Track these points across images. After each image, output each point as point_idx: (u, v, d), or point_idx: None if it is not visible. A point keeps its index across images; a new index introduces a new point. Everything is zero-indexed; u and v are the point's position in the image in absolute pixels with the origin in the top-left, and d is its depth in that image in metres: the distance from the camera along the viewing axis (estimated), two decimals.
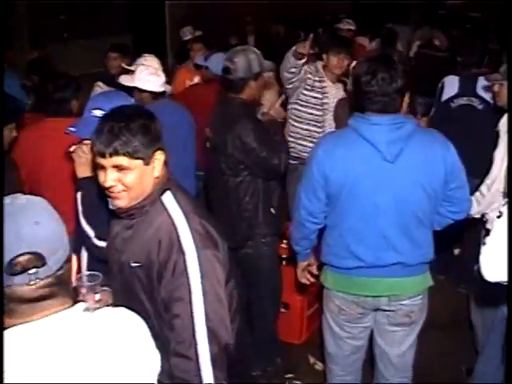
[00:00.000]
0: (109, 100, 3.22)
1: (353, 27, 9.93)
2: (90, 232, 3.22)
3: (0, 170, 3.28)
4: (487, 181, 4.22)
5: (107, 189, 2.51)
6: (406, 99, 3.35)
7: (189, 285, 2.43)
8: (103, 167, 2.48)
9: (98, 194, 3.08)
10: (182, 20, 11.24)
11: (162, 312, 2.55)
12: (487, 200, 4.14)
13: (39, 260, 1.60)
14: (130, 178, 2.47)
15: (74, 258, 1.78)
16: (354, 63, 5.80)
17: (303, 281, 3.91)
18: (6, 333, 1.61)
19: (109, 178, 2.47)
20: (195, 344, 2.41)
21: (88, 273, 2.75)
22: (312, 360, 5.00)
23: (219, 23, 11.90)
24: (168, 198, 2.58)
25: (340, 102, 5.68)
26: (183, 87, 6.68)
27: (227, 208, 4.31)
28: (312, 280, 3.91)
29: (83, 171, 3.29)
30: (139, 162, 2.46)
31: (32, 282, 1.61)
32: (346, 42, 6.17)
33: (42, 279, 1.62)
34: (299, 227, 3.62)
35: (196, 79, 6.79)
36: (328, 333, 3.76)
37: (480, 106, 5.69)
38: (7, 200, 1.66)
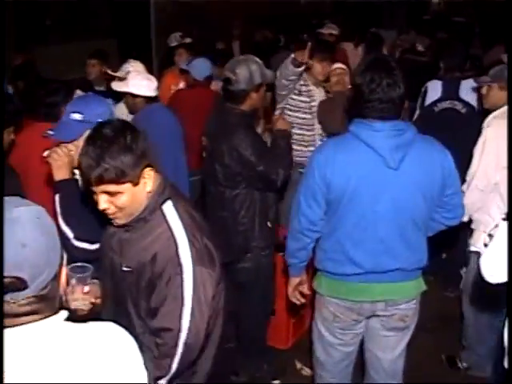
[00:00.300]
0: (86, 103, 3.28)
1: (335, 32, 9.86)
2: (69, 233, 3.16)
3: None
4: (467, 177, 4.27)
5: (101, 210, 2.49)
6: (406, 105, 3.35)
7: (182, 300, 2.46)
8: (93, 191, 2.46)
9: (78, 196, 3.10)
10: (168, 24, 11.22)
11: (145, 317, 2.58)
12: (468, 198, 4.14)
13: (21, 284, 1.57)
14: (121, 200, 2.45)
15: (64, 271, 1.75)
16: (334, 66, 5.87)
17: (294, 300, 3.83)
18: None
19: (100, 202, 2.46)
20: (172, 356, 2.50)
21: (79, 264, 2.76)
22: (299, 365, 4.99)
23: (205, 27, 11.87)
24: (169, 208, 2.57)
25: (321, 105, 5.76)
26: (169, 92, 6.69)
27: (223, 220, 4.25)
28: (303, 301, 3.84)
29: (60, 174, 3.21)
30: (127, 184, 2.43)
31: (12, 301, 1.59)
32: (329, 49, 6.19)
33: (23, 299, 1.60)
34: (298, 237, 3.53)
35: (181, 84, 6.80)
36: (318, 340, 3.74)
37: (463, 110, 5.75)
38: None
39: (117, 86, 4.94)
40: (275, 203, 4.42)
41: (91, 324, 1.76)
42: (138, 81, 4.83)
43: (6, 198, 1.68)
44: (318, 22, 11.18)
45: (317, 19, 11.92)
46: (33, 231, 1.60)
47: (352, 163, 3.24)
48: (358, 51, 10.20)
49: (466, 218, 4.24)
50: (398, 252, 3.35)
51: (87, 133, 3.03)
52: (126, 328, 1.82)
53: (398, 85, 3.18)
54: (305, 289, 3.77)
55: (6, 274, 1.54)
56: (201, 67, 6.30)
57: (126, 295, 2.64)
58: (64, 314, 1.72)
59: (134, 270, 2.57)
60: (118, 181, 2.39)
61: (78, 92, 6.52)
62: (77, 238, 3.16)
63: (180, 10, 12.46)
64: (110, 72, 5.57)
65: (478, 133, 4.33)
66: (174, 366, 2.52)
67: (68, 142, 3.19)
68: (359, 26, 11.43)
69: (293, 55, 5.20)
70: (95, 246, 3.04)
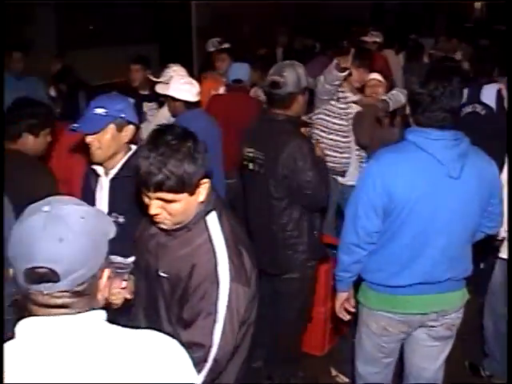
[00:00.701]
0: (109, 99, 3.39)
1: (379, 39, 9.82)
2: None
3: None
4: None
5: (151, 214, 2.48)
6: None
7: (215, 316, 2.45)
8: (147, 195, 2.44)
9: None
10: (209, 29, 11.27)
11: (176, 324, 2.58)
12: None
13: (54, 276, 1.59)
14: (174, 208, 2.43)
15: (106, 272, 1.75)
16: (370, 76, 5.84)
17: (341, 316, 3.77)
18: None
19: (153, 208, 2.43)
20: (200, 370, 2.46)
21: (120, 259, 2.77)
22: (334, 372, 4.96)
23: (245, 32, 11.92)
24: (212, 220, 2.55)
25: (357, 116, 5.73)
26: (208, 97, 6.71)
27: (271, 234, 4.17)
28: (348, 317, 3.77)
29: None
30: (184, 194, 2.41)
31: (46, 292, 1.62)
32: (367, 56, 6.16)
33: (56, 292, 1.63)
34: (353, 250, 3.43)
35: (221, 89, 6.82)
36: (361, 354, 3.71)
37: (483, 112, 5.80)
38: (46, 207, 1.63)
39: (160, 89, 5.02)
40: (321, 213, 4.37)
41: (133, 330, 1.77)
42: (179, 85, 4.89)
43: (61, 197, 1.73)
44: (358, 29, 11.12)
45: (356, 26, 11.89)
46: (73, 229, 1.62)
47: (415, 173, 3.17)
48: (399, 58, 10.14)
49: (505, 227, 4.20)
50: (454, 261, 3.30)
51: (109, 126, 3.24)
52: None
53: (458, 94, 3.15)
54: (351, 305, 3.70)
55: (39, 264, 1.57)
56: (237, 71, 6.36)
57: (159, 299, 2.65)
58: (102, 313, 1.73)
59: (170, 277, 2.57)
60: (176, 190, 2.37)
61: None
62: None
63: (221, 14, 12.52)
64: (152, 78, 5.64)
65: (498, 133, 4.30)
66: (201, 379, 2.49)
67: (91, 134, 3.27)
68: (399, 34, 11.37)
69: (336, 60, 5.19)
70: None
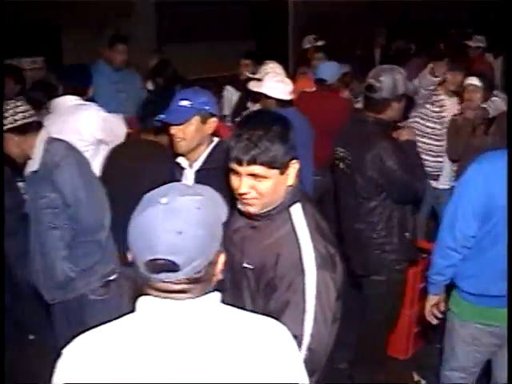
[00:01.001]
0: (194, 92, 3.56)
1: (482, 44, 9.57)
2: None
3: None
4: None
5: (240, 194, 2.51)
6: None
7: (304, 305, 2.44)
8: (237, 173, 2.48)
9: None
10: (305, 28, 11.27)
11: (260, 314, 2.59)
12: None
13: (174, 266, 1.66)
14: (264, 186, 2.46)
15: (222, 257, 1.82)
16: (468, 80, 5.70)
17: (429, 319, 3.75)
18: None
19: (243, 185, 2.46)
20: None
21: None
22: (416, 377, 4.92)
23: (343, 32, 11.85)
24: (296, 211, 2.57)
25: (453, 121, 5.62)
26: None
27: (360, 233, 4.18)
28: (436, 322, 3.74)
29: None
30: (275, 171, 2.45)
31: (166, 280, 1.69)
32: (463, 59, 6.07)
33: (175, 280, 1.70)
34: (449, 253, 3.41)
35: (315, 88, 6.83)
36: (451, 360, 3.66)
37: None
38: (163, 199, 1.71)
39: (253, 86, 5.06)
40: (413, 215, 4.32)
41: (248, 313, 1.84)
42: (272, 83, 4.94)
43: (177, 185, 1.82)
44: (458, 31, 10.90)
45: (455, 29, 11.66)
46: (191, 221, 1.69)
47: None
48: (498, 63, 9.89)
49: None
50: None
51: (193, 118, 3.39)
52: None
53: None
54: (442, 306, 3.67)
55: (161, 256, 1.65)
56: (323, 70, 6.37)
57: (244, 291, 2.66)
58: (217, 295, 1.80)
59: (255, 268, 2.58)
60: (269, 165, 2.42)
61: (228, 88, 6.78)
62: None
63: (318, 13, 12.50)
64: (249, 74, 5.71)
65: None
66: None
67: (177, 125, 3.43)
68: (499, 37, 11.07)
69: (431, 65, 5.13)
70: None
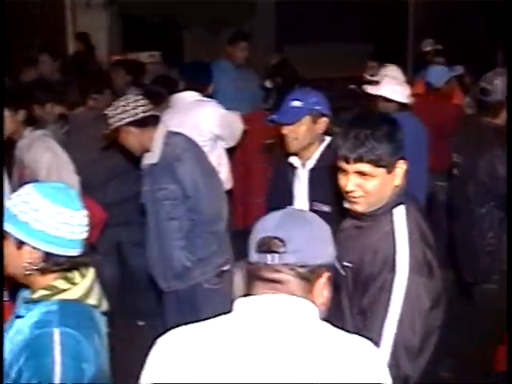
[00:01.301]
0: (305, 93, 3.64)
1: None
2: None
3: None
4: None
5: (347, 192, 2.55)
6: None
7: (388, 304, 2.44)
8: (345, 171, 2.52)
9: None
10: (425, 29, 11.08)
11: (356, 315, 2.61)
12: None
13: (282, 247, 1.72)
14: (371, 184, 2.49)
15: (326, 274, 1.83)
16: None
17: None
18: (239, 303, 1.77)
19: (350, 183, 2.51)
20: None
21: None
22: None
23: (465, 36, 11.58)
24: (399, 213, 2.57)
25: None
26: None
27: (470, 240, 4.14)
28: None
29: None
30: (382, 170, 2.47)
31: (269, 262, 1.74)
32: None
33: (278, 265, 1.74)
34: None
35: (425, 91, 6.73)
36: None
37: None
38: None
39: (370, 89, 5.04)
40: None
41: (342, 332, 1.81)
42: (391, 86, 4.92)
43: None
44: None
45: None
46: (308, 218, 1.85)
47: None
48: None
49: None
50: None
51: (305, 118, 3.46)
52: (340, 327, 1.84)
53: None
54: None
55: (270, 234, 1.74)
56: (431, 74, 6.28)
57: (342, 289, 2.68)
58: (315, 309, 1.79)
59: (354, 266, 2.60)
60: (375, 163, 2.45)
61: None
62: None
63: (439, 14, 12.26)
64: (367, 77, 5.69)
65: None
66: None
67: (288, 125, 3.50)
68: None
69: None
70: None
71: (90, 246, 4.55)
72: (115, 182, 4.87)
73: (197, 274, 3.98)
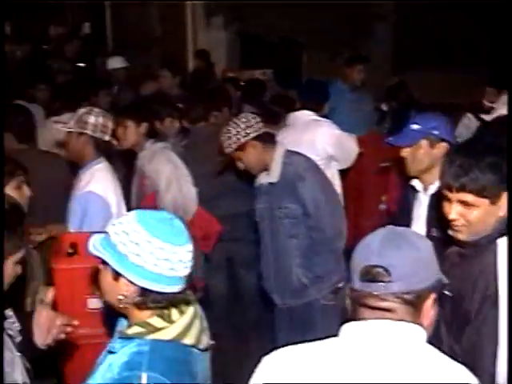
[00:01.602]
0: (424, 117, 3.58)
1: None
2: None
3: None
4: None
5: (450, 220, 2.54)
6: None
7: (497, 340, 2.40)
8: (449, 199, 2.52)
9: None
10: None
11: (454, 342, 2.56)
12: None
13: (387, 276, 1.72)
14: (473, 214, 2.48)
15: (433, 296, 1.84)
16: None
17: None
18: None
19: (453, 212, 2.51)
20: None
21: None
22: None
23: None
24: (503, 244, 2.51)
25: None
26: None
27: None
28: None
29: None
30: (485, 200, 2.45)
31: (376, 293, 1.74)
32: None
33: (385, 294, 1.74)
34: None
35: None
36: None
37: None
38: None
39: (485, 116, 4.98)
40: None
41: (449, 360, 1.81)
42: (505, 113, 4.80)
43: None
44: None
45: None
46: (411, 241, 1.82)
47: None
48: None
49: None
50: None
51: (422, 142, 3.40)
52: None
53: None
54: None
55: (375, 262, 1.74)
56: None
57: (440, 320, 2.54)
58: (423, 333, 1.80)
59: (453, 296, 2.55)
60: (478, 193, 2.43)
61: (468, 115, 6.69)
62: None
63: None
64: (487, 104, 5.61)
65: None
66: None
67: (404, 147, 3.48)
68: None
69: None
70: None
71: (205, 257, 4.75)
72: (229, 197, 4.95)
73: (313, 292, 4.00)
